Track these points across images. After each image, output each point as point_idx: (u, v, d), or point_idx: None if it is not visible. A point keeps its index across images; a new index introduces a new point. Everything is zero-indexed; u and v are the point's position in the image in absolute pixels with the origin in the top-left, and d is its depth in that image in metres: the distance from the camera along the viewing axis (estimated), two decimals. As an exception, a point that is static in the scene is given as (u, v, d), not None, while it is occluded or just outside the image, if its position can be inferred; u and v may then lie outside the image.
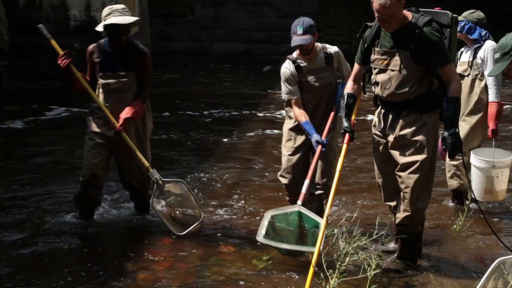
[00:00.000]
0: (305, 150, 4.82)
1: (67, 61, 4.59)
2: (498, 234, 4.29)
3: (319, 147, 4.56)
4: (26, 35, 10.79)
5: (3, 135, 8.27)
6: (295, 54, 4.82)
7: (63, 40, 11.28)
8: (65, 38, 11.29)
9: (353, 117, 4.25)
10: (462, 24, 5.24)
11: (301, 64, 4.75)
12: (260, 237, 4.19)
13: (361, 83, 4.30)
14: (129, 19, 4.62)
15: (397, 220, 4.15)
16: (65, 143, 7.75)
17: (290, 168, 4.79)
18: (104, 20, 4.60)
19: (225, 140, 8.29)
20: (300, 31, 4.59)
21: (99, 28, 4.63)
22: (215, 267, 4.26)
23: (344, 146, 4.17)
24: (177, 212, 4.81)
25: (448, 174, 5.41)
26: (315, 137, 4.59)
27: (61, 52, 4.63)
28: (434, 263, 4.37)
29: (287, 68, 4.76)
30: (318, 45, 4.80)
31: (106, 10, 4.66)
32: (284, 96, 4.81)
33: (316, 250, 3.73)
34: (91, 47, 4.79)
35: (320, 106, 4.81)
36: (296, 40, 4.62)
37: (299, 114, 4.71)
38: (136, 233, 4.87)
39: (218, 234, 4.82)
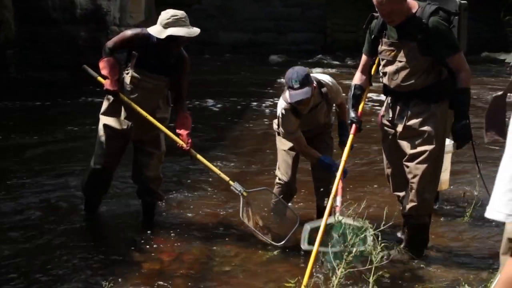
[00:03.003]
0: None
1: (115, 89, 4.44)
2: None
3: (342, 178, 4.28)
4: (33, 24, 10.79)
5: (13, 120, 8.29)
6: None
7: (69, 29, 11.37)
8: (72, 27, 11.30)
9: (360, 107, 4.20)
10: None
11: (300, 109, 4.46)
12: (305, 245, 3.97)
13: (369, 74, 4.26)
14: (195, 31, 4.37)
15: (404, 211, 4.13)
16: (77, 132, 7.76)
17: (290, 166, 4.71)
18: (166, 28, 4.30)
19: (230, 131, 8.26)
20: (296, 84, 4.22)
21: (159, 35, 4.31)
22: (220, 258, 4.25)
23: (351, 137, 4.13)
24: (269, 221, 4.64)
25: None
26: (335, 167, 4.36)
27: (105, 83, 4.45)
28: (442, 254, 4.34)
29: (288, 119, 4.45)
30: (313, 81, 4.46)
31: (168, 17, 4.33)
32: (289, 139, 4.59)
33: (318, 238, 3.69)
34: (132, 34, 4.49)
35: (312, 137, 4.69)
36: (294, 95, 4.24)
37: (310, 151, 4.55)
38: (142, 224, 4.85)
39: (223, 226, 4.80)
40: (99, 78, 4.55)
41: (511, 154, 1.48)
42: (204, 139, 7.76)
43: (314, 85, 4.41)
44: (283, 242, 4.31)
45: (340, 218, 3.88)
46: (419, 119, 3.94)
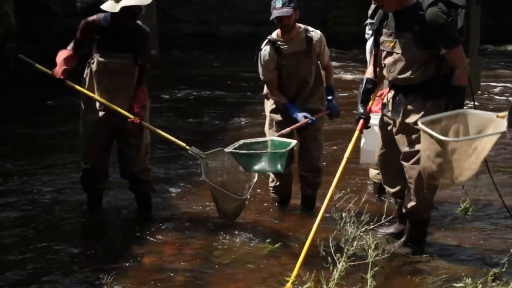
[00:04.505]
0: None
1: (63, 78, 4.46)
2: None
3: (306, 120, 4.61)
4: (33, 17, 10.76)
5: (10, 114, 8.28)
6: (275, 35, 4.74)
7: (70, 22, 11.32)
8: (72, 20, 11.26)
9: (370, 103, 4.10)
10: None
11: (281, 46, 4.67)
12: (230, 149, 4.31)
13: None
14: (145, 0, 4.37)
15: (404, 209, 4.09)
16: (70, 125, 7.74)
17: None
18: (118, 2, 4.30)
19: (230, 124, 8.25)
20: (279, 4, 4.54)
21: (112, 9, 4.32)
22: (221, 251, 4.25)
23: (357, 133, 4.02)
24: (228, 180, 4.71)
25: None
26: (301, 114, 4.63)
27: (50, 73, 4.50)
28: (442, 247, 4.33)
29: (266, 51, 4.68)
30: (301, 26, 4.72)
31: None
32: (262, 76, 4.77)
33: (314, 227, 3.69)
34: (89, 20, 4.49)
35: (298, 95, 4.77)
36: (275, 13, 4.54)
37: (279, 95, 4.73)
38: (140, 217, 4.84)
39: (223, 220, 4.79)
40: (38, 66, 4.54)
41: None
42: (212, 126, 8.02)
43: (300, 25, 4.66)
44: (244, 197, 4.55)
45: (275, 138, 4.52)
46: (414, 116, 3.80)
